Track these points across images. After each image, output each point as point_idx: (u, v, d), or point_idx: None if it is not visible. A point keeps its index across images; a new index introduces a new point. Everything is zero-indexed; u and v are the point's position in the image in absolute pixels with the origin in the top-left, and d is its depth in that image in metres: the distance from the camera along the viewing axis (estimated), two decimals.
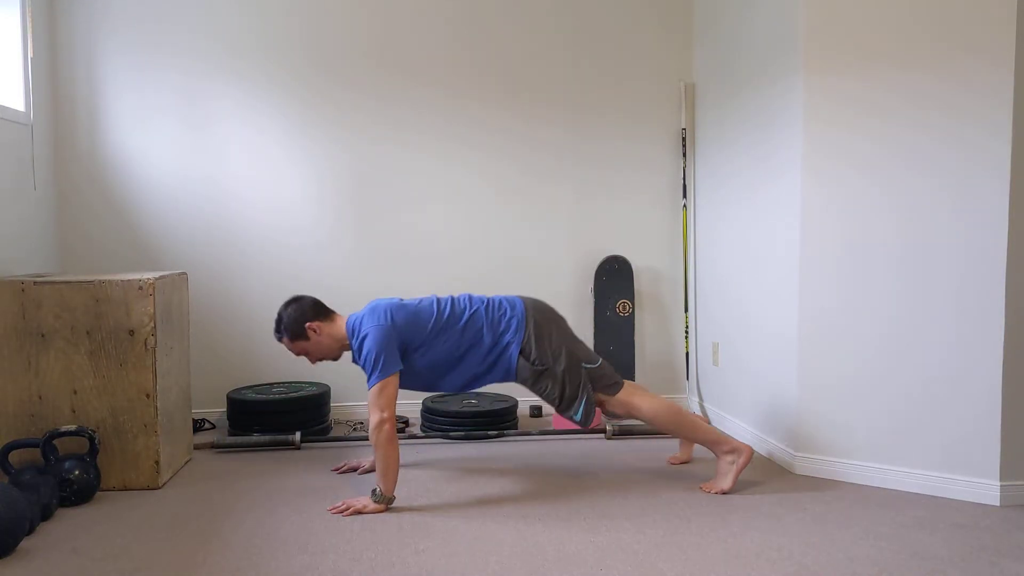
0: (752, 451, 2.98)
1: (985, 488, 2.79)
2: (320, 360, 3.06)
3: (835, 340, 3.02)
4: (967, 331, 2.80)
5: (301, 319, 2.96)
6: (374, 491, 2.76)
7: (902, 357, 2.91)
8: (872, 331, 2.95)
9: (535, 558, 2.37)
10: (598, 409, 3.70)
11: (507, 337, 2.92)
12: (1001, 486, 2.77)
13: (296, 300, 3.02)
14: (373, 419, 2.75)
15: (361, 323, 2.89)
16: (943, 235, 2.82)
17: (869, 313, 2.96)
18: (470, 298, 3.02)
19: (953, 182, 2.79)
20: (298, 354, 3.04)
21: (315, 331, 2.96)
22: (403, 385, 2.90)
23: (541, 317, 2.98)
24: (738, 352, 3.67)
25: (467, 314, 2.94)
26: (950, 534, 2.53)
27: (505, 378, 2.99)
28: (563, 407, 2.94)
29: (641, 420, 3.04)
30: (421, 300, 3.01)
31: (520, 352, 2.91)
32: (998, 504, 2.76)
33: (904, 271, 2.89)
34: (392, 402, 2.78)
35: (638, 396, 2.98)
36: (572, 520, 2.67)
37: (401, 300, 3.00)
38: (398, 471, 2.78)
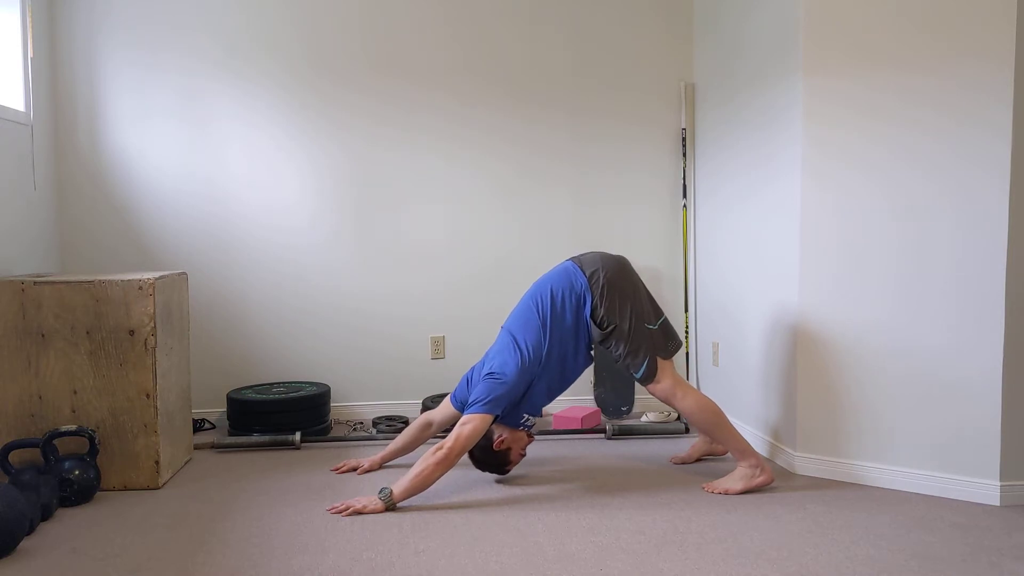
0: (774, 478, 2.97)
1: (985, 488, 2.79)
2: (526, 444, 3.10)
3: (835, 340, 3.02)
4: (967, 331, 2.80)
5: (491, 450, 3.00)
6: (383, 490, 2.77)
7: (901, 356, 2.91)
8: (872, 331, 2.95)
9: (535, 558, 2.37)
10: (599, 409, 3.66)
11: (579, 315, 2.97)
12: (1001, 486, 2.77)
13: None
14: (448, 439, 2.81)
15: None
16: (943, 235, 2.82)
17: (868, 313, 2.95)
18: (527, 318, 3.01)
19: (953, 182, 2.79)
20: (518, 460, 3.10)
21: (502, 441, 3.01)
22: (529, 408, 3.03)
23: (611, 278, 2.97)
24: (738, 352, 3.66)
25: (545, 347, 2.95)
26: (950, 534, 2.53)
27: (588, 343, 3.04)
28: (626, 363, 2.96)
29: (679, 412, 3.04)
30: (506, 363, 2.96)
31: (591, 317, 2.95)
32: (998, 504, 2.76)
33: (904, 271, 2.89)
34: (473, 441, 2.85)
35: (681, 389, 2.96)
36: (572, 520, 2.67)
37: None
38: (423, 491, 2.81)
